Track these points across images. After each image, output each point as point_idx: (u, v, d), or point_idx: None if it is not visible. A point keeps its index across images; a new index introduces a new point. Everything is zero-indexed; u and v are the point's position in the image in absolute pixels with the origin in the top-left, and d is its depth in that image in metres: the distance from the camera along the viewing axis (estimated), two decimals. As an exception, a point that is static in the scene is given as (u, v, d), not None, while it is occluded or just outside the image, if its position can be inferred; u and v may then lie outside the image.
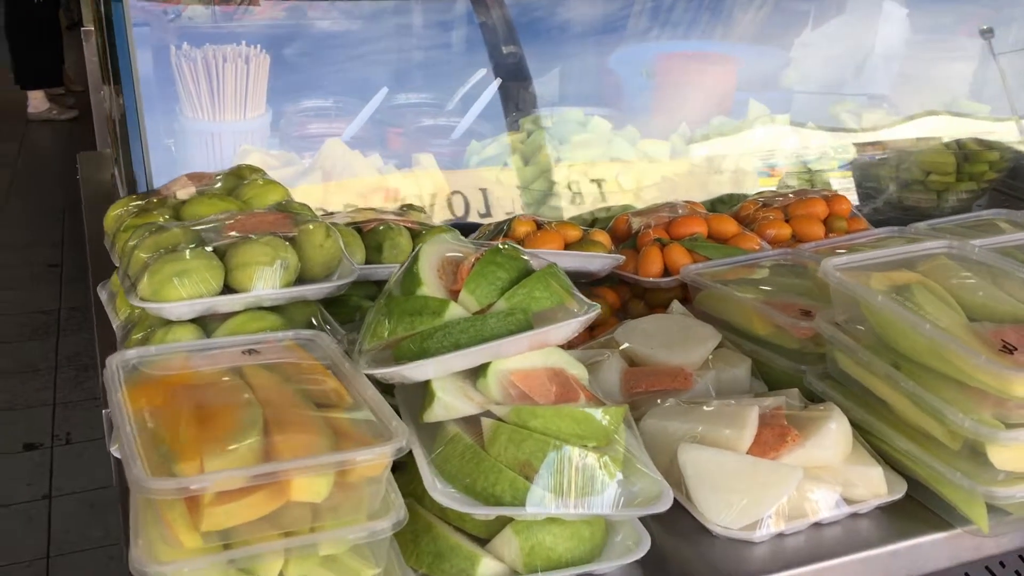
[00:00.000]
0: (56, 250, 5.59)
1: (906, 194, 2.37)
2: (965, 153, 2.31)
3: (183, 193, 1.52)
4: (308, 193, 1.87)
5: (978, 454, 1.14)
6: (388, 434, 0.96)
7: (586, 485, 1.05)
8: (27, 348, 4.45)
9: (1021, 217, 1.92)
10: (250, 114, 2.05)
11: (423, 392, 1.12)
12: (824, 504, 1.16)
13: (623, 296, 1.81)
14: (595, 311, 1.15)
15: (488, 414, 1.10)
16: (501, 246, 1.19)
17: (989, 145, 2.36)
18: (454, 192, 1.99)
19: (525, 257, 1.20)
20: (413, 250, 1.21)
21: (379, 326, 1.13)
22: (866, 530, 1.17)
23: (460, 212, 2.00)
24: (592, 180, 2.01)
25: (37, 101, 7.17)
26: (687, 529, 1.15)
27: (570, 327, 1.13)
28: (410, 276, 1.16)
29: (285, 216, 1.32)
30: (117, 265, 1.41)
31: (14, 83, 7.22)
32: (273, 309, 1.26)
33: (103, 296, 1.51)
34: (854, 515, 1.18)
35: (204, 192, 1.48)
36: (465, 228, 1.86)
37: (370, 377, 1.10)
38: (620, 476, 1.07)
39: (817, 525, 1.17)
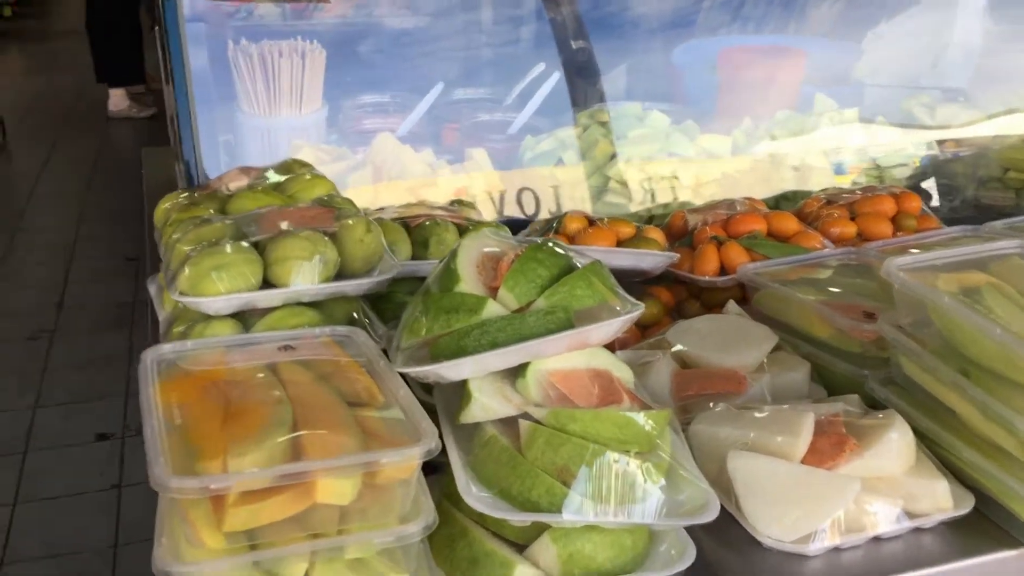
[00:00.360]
0: (136, 243, 5.70)
1: (983, 192, 2.26)
2: (1046, 148, 2.19)
3: (233, 186, 1.51)
4: (359, 188, 1.86)
5: (1053, 469, 1.07)
6: (417, 435, 0.93)
7: (627, 492, 1.00)
8: (103, 339, 4.54)
9: (1104, 216, 1.82)
10: (305, 109, 2.04)
11: (460, 392, 1.09)
12: (884, 518, 1.09)
13: (678, 296, 1.75)
14: (638, 310, 1.10)
15: (526, 416, 1.06)
16: (543, 242, 1.15)
17: (1072, 140, 2.24)
18: (507, 188, 1.95)
19: (568, 253, 1.16)
20: (453, 248, 1.18)
21: (416, 323, 1.10)
22: (929, 546, 1.11)
23: (512, 209, 1.96)
24: (649, 176, 1.95)
25: (117, 99, 7.33)
26: (736, 540, 1.10)
27: (612, 327, 1.08)
28: (448, 272, 1.12)
29: (327, 210, 1.30)
30: (161, 253, 1.41)
31: (96, 81, 7.41)
32: (312, 305, 1.24)
33: (152, 290, 1.51)
34: (916, 530, 1.12)
35: (251, 186, 1.47)
36: (516, 225, 1.83)
37: (405, 376, 1.07)
38: (663, 483, 1.02)
39: (876, 539, 1.10)
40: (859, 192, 1.88)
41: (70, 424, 3.86)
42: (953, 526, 1.12)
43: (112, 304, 4.95)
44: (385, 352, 1.15)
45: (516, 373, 1.09)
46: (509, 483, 1.01)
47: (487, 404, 1.06)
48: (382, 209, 1.65)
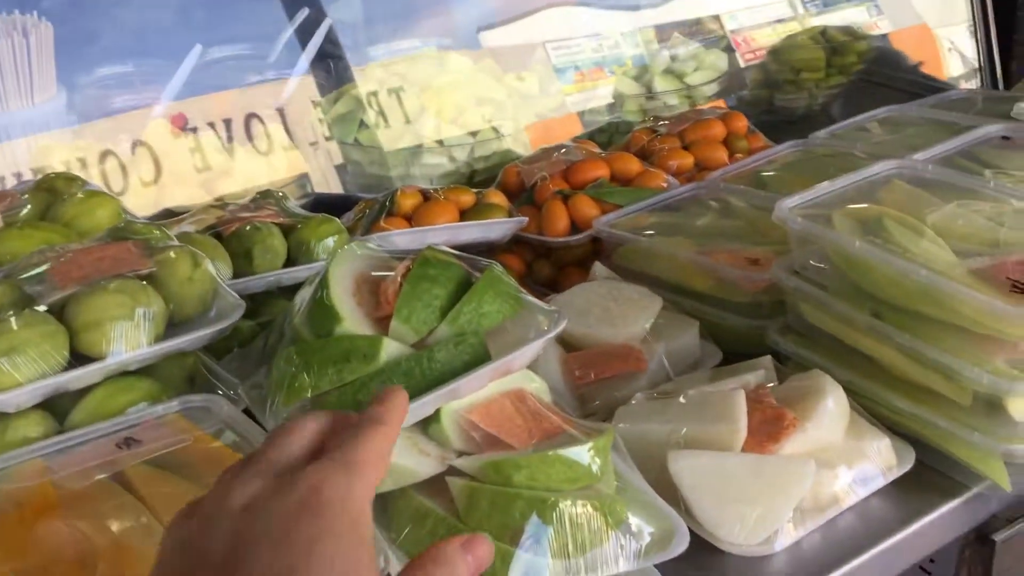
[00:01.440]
0: None
1: (778, 95, 2.25)
2: (834, 46, 2.21)
3: (-18, 223, 1.18)
4: (138, 196, 1.54)
5: (994, 408, 1.02)
6: None
7: (592, 541, 0.85)
8: None
9: (916, 110, 1.84)
10: (38, 98, 1.67)
11: (363, 453, 0.89)
12: (838, 493, 1.02)
13: (526, 258, 1.60)
14: (563, 321, 0.94)
15: (452, 471, 0.88)
16: (427, 254, 0.96)
17: (855, 34, 2.27)
18: (312, 168, 1.70)
19: (456, 260, 0.97)
20: (316, 277, 0.95)
21: (295, 381, 0.88)
22: (881, 511, 1.04)
23: (320, 188, 1.72)
24: (465, 131, 1.76)
25: None
26: (690, 546, 0.98)
27: (534, 348, 0.92)
28: (322, 310, 0.91)
29: (130, 245, 1.03)
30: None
31: None
32: (141, 372, 0.98)
33: None
34: (864, 495, 1.05)
35: (12, 221, 1.15)
36: (333, 205, 1.60)
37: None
38: (627, 518, 0.88)
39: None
40: (682, 119, 1.79)
41: None
42: (897, 483, 1.06)
43: None
44: (254, 418, 0.92)
45: (428, 418, 0.90)
46: (454, 561, 0.83)
47: (402, 466, 0.87)
48: (179, 219, 1.37)
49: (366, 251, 0.99)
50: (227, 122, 1.68)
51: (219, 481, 0.57)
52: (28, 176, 1.62)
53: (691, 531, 0.97)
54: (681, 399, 1.08)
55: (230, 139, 1.68)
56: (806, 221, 1.15)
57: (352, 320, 0.90)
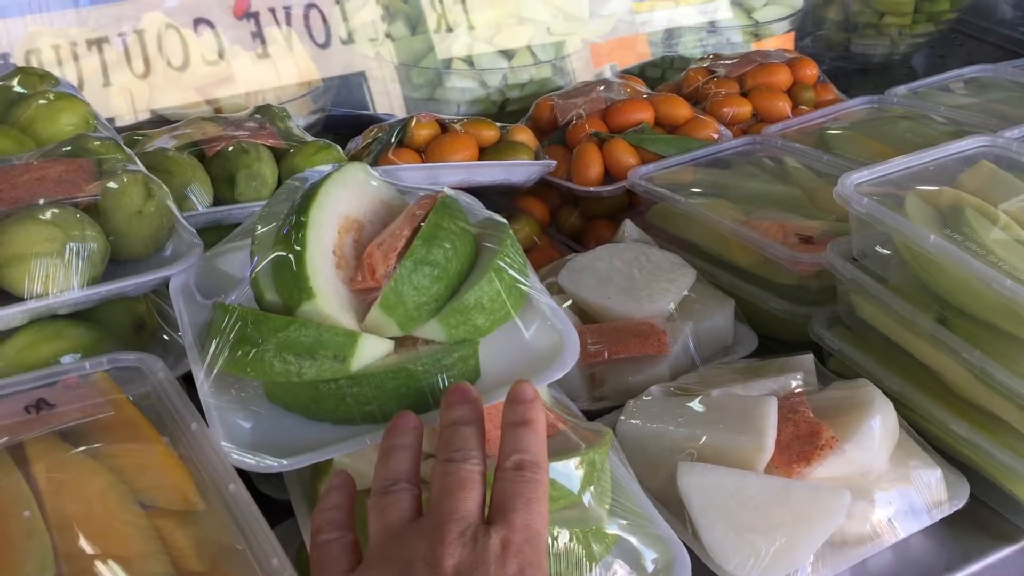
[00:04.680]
0: None
1: (856, 40, 2.03)
2: (926, -10, 1.97)
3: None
4: (125, 92, 1.40)
5: (1071, 449, 0.86)
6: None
7: (571, 573, 0.72)
8: None
9: (1008, 72, 1.63)
10: (39, -23, 1.52)
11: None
12: (878, 528, 0.86)
13: (551, 204, 1.44)
14: (572, 358, 0.76)
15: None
16: (439, 217, 0.78)
17: (951, -21, 2.02)
18: (323, 78, 1.53)
19: (469, 227, 0.81)
20: (291, 217, 0.78)
21: (244, 355, 0.73)
22: (921, 552, 0.89)
23: (331, 104, 1.55)
24: (499, 52, 1.58)
25: None
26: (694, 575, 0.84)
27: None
28: (293, 275, 0.74)
29: (80, 164, 0.88)
30: None
31: None
32: (75, 316, 0.84)
33: None
34: (904, 532, 0.90)
35: (-39, 120, 1.01)
36: (348, 126, 1.44)
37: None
38: (618, 543, 0.74)
39: (861, 554, 0.88)
40: (745, 60, 1.59)
41: None
42: (945, 520, 0.91)
43: None
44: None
45: (393, 411, 0.75)
46: None
47: (356, 468, 0.73)
48: (163, 129, 1.22)
49: (368, 177, 0.82)
50: (255, 16, 1.51)
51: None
52: (19, 60, 1.47)
53: (697, 558, 0.83)
54: (702, 401, 0.93)
55: (256, 35, 1.51)
56: (873, 203, 0.97)
57: (325, 297, 0.73)
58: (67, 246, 0.80)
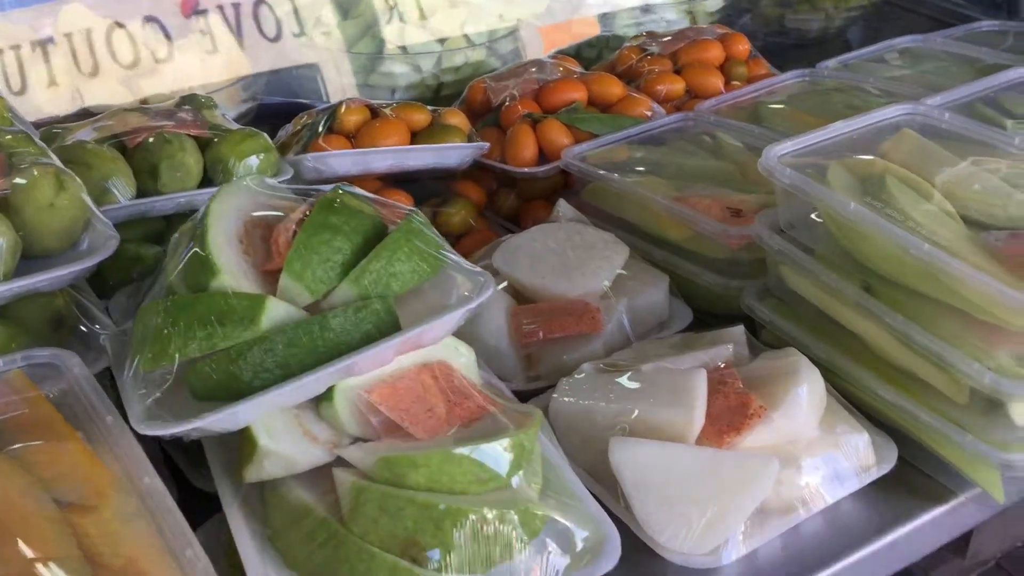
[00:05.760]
0: None
1: (790, 15, 2.04)
2: (858, -38, 1.99)
3: None
4: (55, 88, 1.37)
5: (993, 409, 0.87)
6: (183, 568, 0.58)
7: (499, 554, 0.72)
8: None
9: (940, 42, 1.65)
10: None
11: (239, 432, 0.74)
12: (808, 494, 0.87)
13: (487, 186, 1.43)
14: (487, 289, 0.78)
15: (342, 461, 0.74)
16: (332, 195, 0.79)
17: (881, -49, 2.04)
18: (255, 69, 1.51)
19: (369, 204, 0.81)
20: (196, 216, 0.79)
21: (160, 340, 0.73)
22: (852, 517, 0.90)
23: (261, 93, 1.53)
24: (434, 37, 1.57)
25: None
26: (627, 548, 0.84)
27: (452, 319, 0.76)
28: (198, 261, 0.75)
29: (-8, 159, 0.86)
30: None
31: None
32: (-10, 313, 0.83)
33: None
34: (834, 497, 0.91)
35: None
36: (279, 115, 1.43)
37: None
38: (548, 523, 0.74)
39: (793, 521, 0.89)
40: (676, 38, 1.60)
41: None
42: (874, 484, 0.92)
43: None
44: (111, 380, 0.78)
45: (319, 396, 0.75)
46: (333, 571, 0.69)
47: (281, 453, 0.73)
48: (82, 122, 1.19)
49: (262, 187, 0.83)
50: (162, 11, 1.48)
51: None
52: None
53: (630, 532, 0.84)
54: (633, 376, 0.93)
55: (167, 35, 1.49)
56: (796, 173, 0.98)
57: (232, 273, 0.74)
58: (-27, 242, 0.78)
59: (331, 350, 0.72)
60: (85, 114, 1.37)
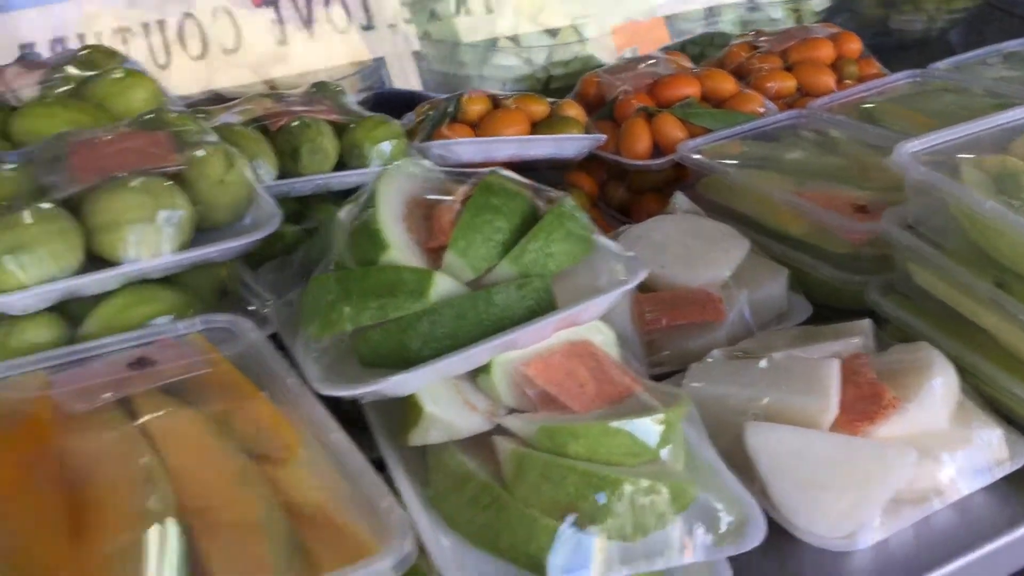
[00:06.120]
0: None
1: (894, 15, 2.03)
2: (963, -37, 1.98)
3: (20, 87, 1.08)
4: (184, 72, 1.42)
5: None
6: (376, 523, 0.62)
7: (653, 524, 0.74)
8: None
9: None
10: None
11: (401, 399, 0.78)
12: (941, 486, 0.89)
13: (598, 178, 1.46)
14: (642, 271, 0.81)
15: (500, 431, 0.77)
16: (491, 179, 0.83)
17: (988, -47, 2.03)
18: (374, 58, 1.56)
19: (524, 189, 0.85)
20: (362, 195, 0.83)
21: (332, 311, 0.77)
22: (984, 510, 0.91)
23: (377, 83, 1.58)
24: (545, 30, 1.60)
25: None
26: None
27: (608, 300, 0.79)
28: (367, 234, 0.79)
29: (161, 137, 0.91)
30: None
31: None
32: (165, 281, 0.87)
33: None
34: (965, 490, 0.92)
35: (43, 96, 1.04)
36: (396, 104, 1.47)
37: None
38: (697, 501, 0.77)
39: (924, 512, 0.90)
40: (787, 36, 1.61)
41: None
42: (1007, 480, 0.93)
43: None
44: (279, 343, 0.82)
45: (477, 367, 0.79)
46: (495, 533, 0.73)
47: (445, 419, 0.76)
48: (225, 105, 1.25)
49: (421, 170, 0.86)
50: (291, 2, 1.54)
51: None
52: (73, 43, 1.51)
53: (766, 515, 0.86)
54: (765, 363, 0.95)
55: (304, 17, 1.54)
56: (929, 170, 0.99)
57: (400, 249, 0.78)
58: (158, 213, 0.83)
59: (495, 324, 0.76)
60: (217, 98, 1.43)
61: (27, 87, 1.09)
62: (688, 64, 1.53)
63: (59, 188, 0.84)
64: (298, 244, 1.07)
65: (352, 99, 1.35)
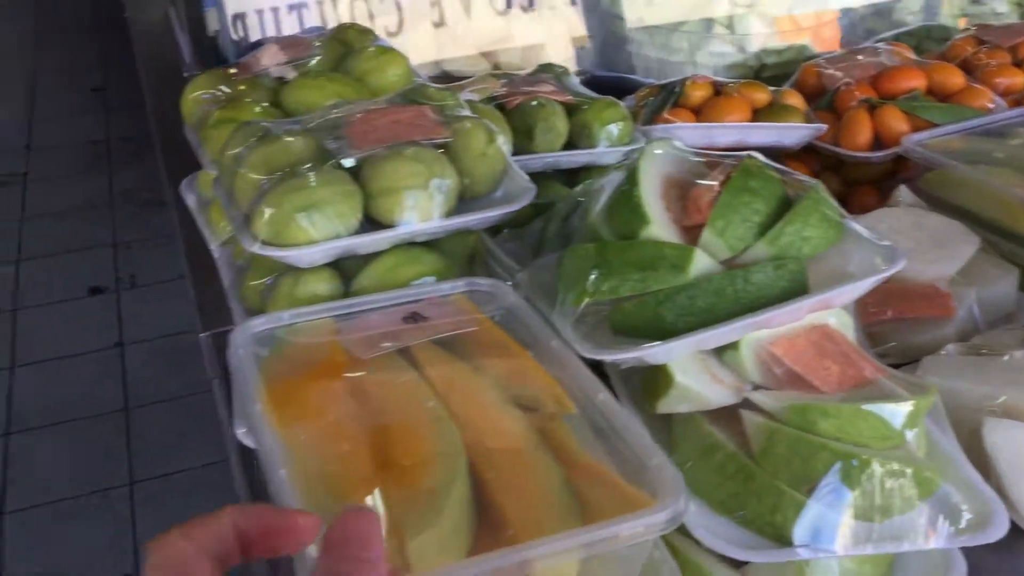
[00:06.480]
0: (97, 72, 5.25)
1: None
2: None
3: (276, 69, 1.18)
4: (415, 49, 1.50)
5: None
6: (647, 479, 0.67)
7: (898, 507, 0.76)
8: (81, 183, 4.20)
9: None
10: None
11: (649, 367, 0.83)
12: None
13: (811, 168, 1.46)
14: (900, 260, 0.82)
15: (746, 404, 0.80)
16: (748, 163, 0.86)
17: None
18: (590, 37, 1.60)
19: (776, 175, 0.87)
20: (623, 166, 0.88)
21: (592, 281, 0.82)
22: None
23: (591, 66, 1.62)
24: (762, 17, 1.61)
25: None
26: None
27: (863, 286, 0.81)
28: (629, 208, 0.83)
29: (426, 110, 0.99)
30: (206, 166, 1.10)
31: None
32: (427, 244, 0.95)
33: (190, 201, 1.21)
34: None
35: (307, 70, 1.13)
36: (604, 89, 1.51)
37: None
38: (939, 490, 0.78)
39: None
40: (1014, 29, 1.56)
41: (58, 278, 3.60)
42: None
43: (85, 142, 4.59)
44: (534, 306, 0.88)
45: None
46: (741, 501, 0.77)
47: (692, 389, 0.80)
48: (461, 83, 1.32)
49: (675, 151, 0.90)
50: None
51: None
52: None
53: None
54: (1005, 358, 0.95)
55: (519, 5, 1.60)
56: None
57: (659, 225, 0.83)
58: (431, 181, 0.90)
59: (751, 302, 0.79)
60: (446, 76, 1.51)
61: (284, 64, 1.19)
62: (912, 55, 1.50)
63: (340, 154, 0.92)
64: (525, 219, 1.13)
65: (575, 80, 1.40)
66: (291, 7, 1.61)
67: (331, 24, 1.51)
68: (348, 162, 0.90)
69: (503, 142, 0.98)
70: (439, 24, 1.51)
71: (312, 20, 1.56)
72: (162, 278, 3.58)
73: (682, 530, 0.77)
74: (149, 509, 2.60)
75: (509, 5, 1.55)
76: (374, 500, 0.64)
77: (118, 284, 3.58)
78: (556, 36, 1.55)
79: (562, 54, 1.56)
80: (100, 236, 3.83)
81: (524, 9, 1.54)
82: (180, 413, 2.94)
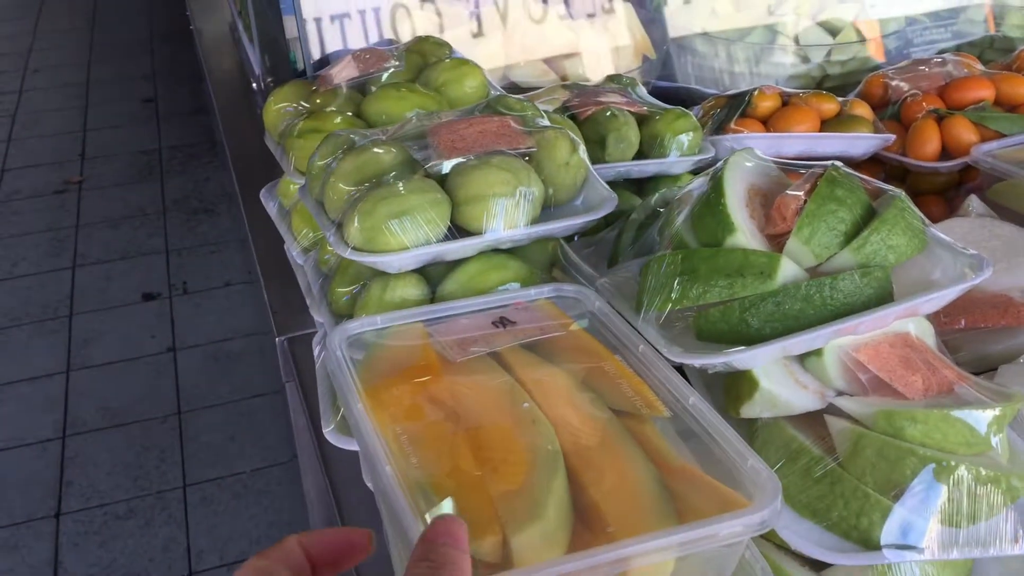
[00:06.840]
0: (148, 84, 5.37)
1: None
2: None
3: (354, 80, 1.21)
4: (484, 60, 1.53)
5: None
6: (740, 480, 0.68)
7: (985, 513, 0.77)
8: (134, 191, 4.30)
9: None
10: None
11: (733, 372, 0.84)
12: None
13: (876, 177, 1.46)
14: (987, 269, 0.83)
15: (832, 409, 0.82)
16: (833, 171, 0.87)
17: None
18: (655, 51, 1.62)
19: (860, 184, 0.89)
20: (709, 175, 0.90)
21: (678, 288, 0.84)
22: None
23: (657, 76, 1.64)
24: (822, 26, 1.62)
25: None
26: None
27: (950, 294, 0.82)
28: (715, 216, 0.85)
29: (509, 120, 1.01)
30: (290, 175, 1.14)
31: None
32: (511, 251, 0.97)
33: (271, 208, 1.24)
34: None
35: (387, 82, 1.16)
36: (670, 96, 1.53)
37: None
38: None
39: None
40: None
41: (113, 284, 3.69)
42: None
43: (136, 152, 4.69)
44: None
45: (808, 349, 0.84)
46: (827, 505, 0.78)
47: (776, 395, 0.82)
48: (533, 94, 1.35)
49: (757, 161, 0.92)
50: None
51: None
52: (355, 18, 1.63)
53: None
54: (1084, 370, 0.95)
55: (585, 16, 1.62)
56: None
57: (745, 233, 0.84)
58: (517, 189, 0.92)
59: (837, 309, 0.80)
60: (514, 87, 1.54)
61: (361, 76, 1.22)
62: (979, 66, 1.50)
63: (428, 162, 0.95)
64: (596, 228, 1.15)
65: (643, 91, 1.42)
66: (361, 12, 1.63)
67: (401, 32, 1.54)
68: (442, 169, 0.93)
69: (584, 152, 1.00)
70: (506, 33, 1.53)
71: (385, 24, 1.58)
72: (212, 284, 3.66)
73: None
74: (202, 512, 2.65)
75: (574, 16, 1.57)
76: (476, 497, 0.66)
77: (171, 290, 3.65)
78: (620, 47, 1.57)
79: (625, 64, 1.58)
80: (153, 243, 3.92)
81: (589, 18, 1.56)
82: (230, 417, 3.00)
